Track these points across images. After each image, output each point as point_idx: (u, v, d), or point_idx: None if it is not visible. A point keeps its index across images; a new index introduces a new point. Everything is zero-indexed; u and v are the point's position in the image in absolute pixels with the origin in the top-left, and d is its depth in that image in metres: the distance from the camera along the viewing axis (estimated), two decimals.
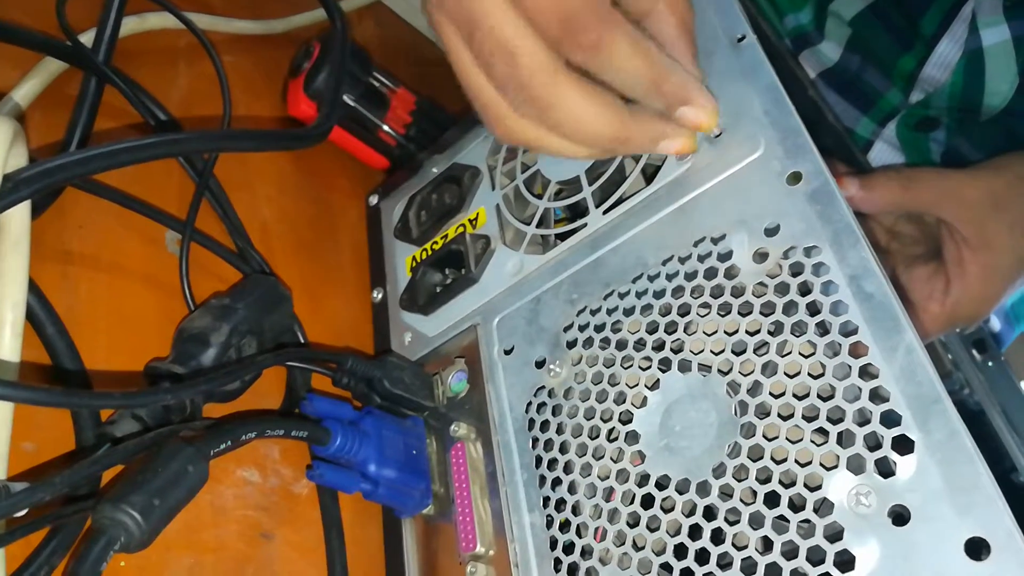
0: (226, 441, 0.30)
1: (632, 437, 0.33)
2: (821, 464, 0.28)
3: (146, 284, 0.40)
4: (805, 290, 0.31)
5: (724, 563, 0.29)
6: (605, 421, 0.34)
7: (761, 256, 0.32)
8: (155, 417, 0.32)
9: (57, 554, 0.29)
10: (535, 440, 0.36)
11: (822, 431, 0.28)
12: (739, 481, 0.30)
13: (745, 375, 0.31)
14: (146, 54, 0.48)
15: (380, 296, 0.50)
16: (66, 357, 0.33)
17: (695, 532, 0.30)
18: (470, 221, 0.47)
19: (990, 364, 0.61)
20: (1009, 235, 0.49)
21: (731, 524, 0.29)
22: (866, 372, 0.28)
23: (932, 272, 0.50)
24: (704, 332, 0.33)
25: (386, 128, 0.55)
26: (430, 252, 0.48)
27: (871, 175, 0.49)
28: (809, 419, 0.29)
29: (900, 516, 0.26)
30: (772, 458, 0.29)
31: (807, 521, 0.27)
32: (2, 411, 0.29)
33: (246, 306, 0.38)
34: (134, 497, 0.26)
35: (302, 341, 0.43)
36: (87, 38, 0.42)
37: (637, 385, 0.34)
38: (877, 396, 0.27)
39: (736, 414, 0.31)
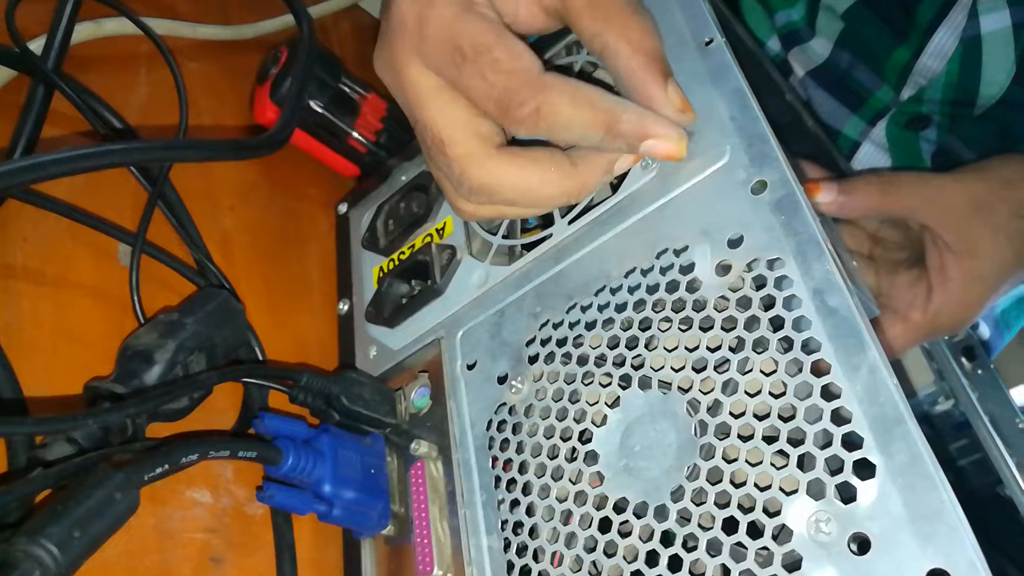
0: (162, 465, 0.29)
1: (591, 457, 0.32)
2: (781, 488, 0.26)
3: (96, 299, 0.39)
4: (768, 304, 0.29)
5: None
6: (564, 440, 0.33)
7: (724, 268, 0.31)
8: (92, 439, 0.31)
9: None
10: (495, 459, 0.35)
11: (782, 453, 0.27)
12: (697, 505, 0.28)
13: (705, 393, 0.30)
14: (105, 60, 0.47)
15: (346, 308, 0.48)
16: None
17: (652, 559, 0.29)
18: (437, 231, 0.45)
19: (979, 372, 0.60)
20: (992, 241, 0.47)
21: (688, 551, 0.28)
22: (828, 392, 0.27)
23: (915, 279, 0.49)
24: (665, 348, 0.32)
25: (356, 135, 0.54)
26: (397, 262, 0.47)
27: (851, 180, 0.48)
28: (769, 440, 0.27)
29: (861, 544, 0.24)
30: (731, 481, 0.28)
31: (765, 548, 0.26)
32: None
33: (195, 321, 0.36)
34: (51, 528, 0.24)
35: (259, 356, 0.42)
36: (38, 44, 0.41)
37: (597, 403, 0.33)
38: (839, 417, 0.26)
39: (696, 434, 0.29)
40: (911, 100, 0.64)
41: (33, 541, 0.24)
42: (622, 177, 0.36)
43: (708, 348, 0.30)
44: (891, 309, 0.49)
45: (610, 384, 0.33)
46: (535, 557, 0.32)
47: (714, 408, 0.29)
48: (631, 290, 0.34)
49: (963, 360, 0.60)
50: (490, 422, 0.36)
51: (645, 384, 0.32)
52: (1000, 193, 0.48)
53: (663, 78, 0.33)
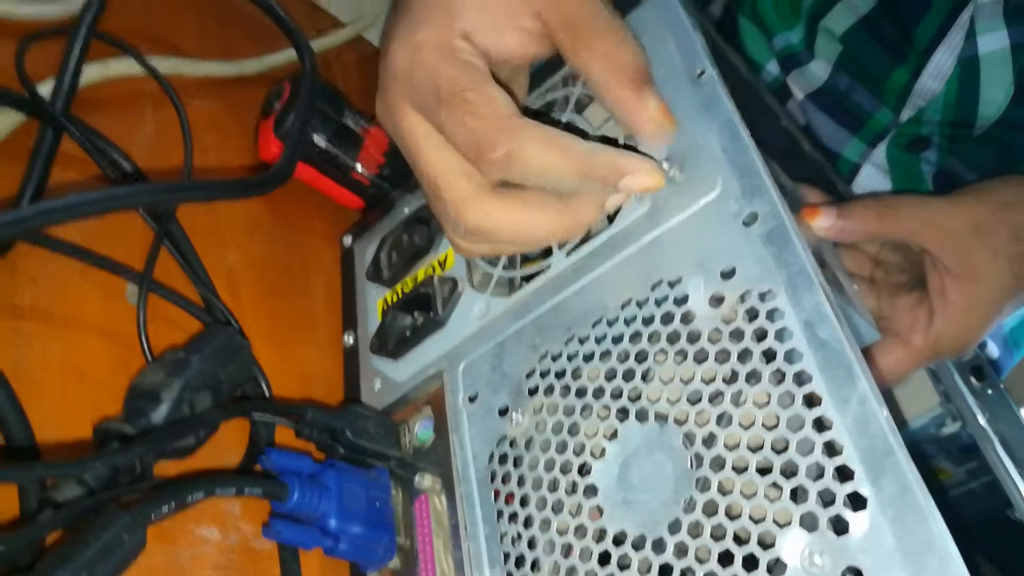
0: (169, 504, 0.30)
1: (591, 490, 0.32)
2: (775, 521, 0.27)
3: (104, 338, 0.39)
4: (760, 336, 0.30)
5: None
6: (564, 473, 0.33)
7: (717, 300, 0.31)
8: (101, 479, 0.31)
9: None
10: (497, 492, 0.36)
11: (776, 486, 0.27)
12: (694, 538, 0.28)
13: (700, 426, 0.30)
14: (112, 101, 0.48)
15: (351, 340, 0.49)
16: (13, 422, 0.32)
17: None
18: (439, 263, 0.46)
19: (989, 392, 0.59)
20: (993, 264, 0.47)
21: None
22: (820, 423, 0.27)
23: (916, 302, 0.49)
24: (661, 380, 0.32)
25: (359, 168, 0.55)
26: (400, 295, 0.47)
27: (849, 204, 0.48)
28: (763, 472, 0.28)
29: None
30: (727, 514, 0.28)
31: None
32: None
33: (200, 359, 0.37)
34: (61, 572, 0.25)
35: (265, 391, 0.42)
36: (47, 88, 0.42)
37: (596, 435, 0.33)
38: (831, 449, 0.26)
39: (692, 467, 0.30)
40: (911, 122, 0.65)
41: None
42: (618, 208, 0.37)
43: (703, 380, 0.31)
44: (892, 332, 0.49)
45: (608, 416, 0.33)
46: None
47: (709, 440, 0.30)
48: (627, 322, 0.34)
49: (972, 380, 0.60)
50: (492, 455, 0.36)
51: (642, 416, 0.32)
52: (999, 215, 0.48)
53: (637, 87, 0.33)
